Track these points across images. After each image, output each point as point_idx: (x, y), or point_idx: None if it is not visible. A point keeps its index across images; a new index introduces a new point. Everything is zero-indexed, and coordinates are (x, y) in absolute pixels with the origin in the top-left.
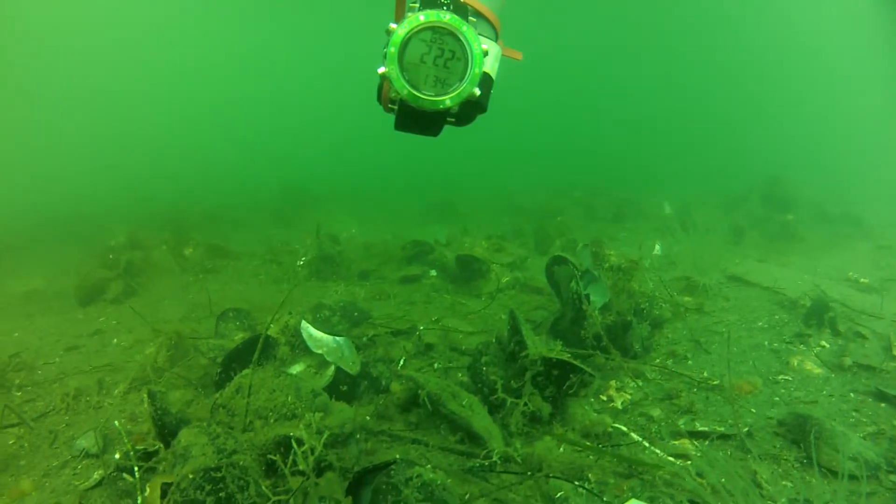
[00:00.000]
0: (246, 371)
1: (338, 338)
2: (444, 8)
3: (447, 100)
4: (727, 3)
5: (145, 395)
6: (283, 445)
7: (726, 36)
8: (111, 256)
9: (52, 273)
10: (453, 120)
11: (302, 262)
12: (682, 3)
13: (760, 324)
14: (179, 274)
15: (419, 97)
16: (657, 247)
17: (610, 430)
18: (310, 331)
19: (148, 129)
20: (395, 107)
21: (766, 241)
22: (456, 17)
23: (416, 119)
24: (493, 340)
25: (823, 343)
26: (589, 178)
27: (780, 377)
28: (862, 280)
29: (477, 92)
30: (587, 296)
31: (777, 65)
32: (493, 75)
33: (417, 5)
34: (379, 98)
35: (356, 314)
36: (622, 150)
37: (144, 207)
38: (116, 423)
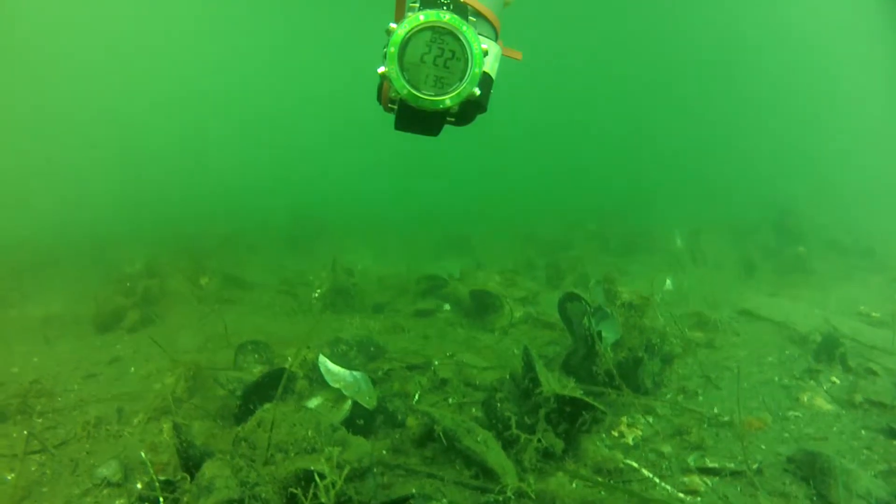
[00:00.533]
0: (267, 405)
1: (355, 372)
2: (444, 8)
3: (447, 99)
4: (738, 26)
5: (166, 426)
6: (304, 479)
7: (739, 63)
8: (128, 284)
9: (70, 297)
10: (453, 120)
11: (317, 295)
12: (691, 27)
13: (771, 359)
14: (196, 303)
15: (419, 97)
16: (668, 281)
17: (621, 466)
18: (328, 365)
19: (161, 149)
20: (395, 106)
21: (778, 274)
22: (456, 17)
23: (416, 119)
24: (508, 377)
25: (834, 379)
26: (602, 207)
27: (790, 413)
28: (874, 314)
29: (477, 92)
30: (599, 333)
31: (789, 90)
32: (493, 75)
33: (417, 5)
34: (379, 98)
35: (373, 349)
36: (634, 179)
37: (159, 230)
38: (142, 453)
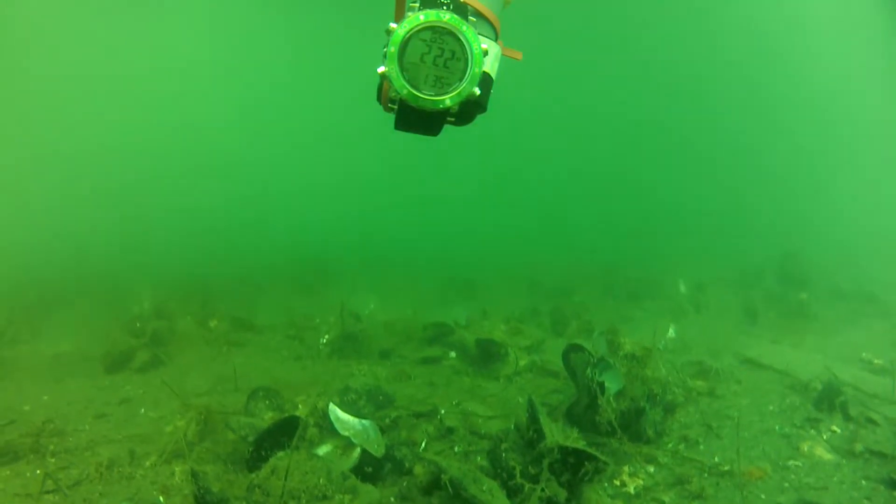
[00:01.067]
0: (281, 453)
1: (364, 420)
2: (444, 8)
3: (447, 99)
4: (740, 71)
5: (178, 469)
6: None
7: (744, 110)
8: (138, 325)
9: (79, 336)
10: (453, 120)
11: (325, 341)
12: (697, 76)
13: (771, 408)
14: (205, 346)
15: (419, 97)
16: (671, 329)
17: None
18: (338, 413)
19: (165, 186)
20: (395, 106)
21: (781, 320)
22: (456, 16)
23: (416, 119)
24: (513, 427)
25: (834, 428)
26: (606, 252)
27: (790, 462)
28: (876, 361)
29: (477, 91)
30: (602, 384)
31: (791, 134)
32: (493, 75)
33: (417, 5)
34: (379, 98)
35: (381, 398)
36: (639, 223)
37: (165, 268)
38: (161, 498)
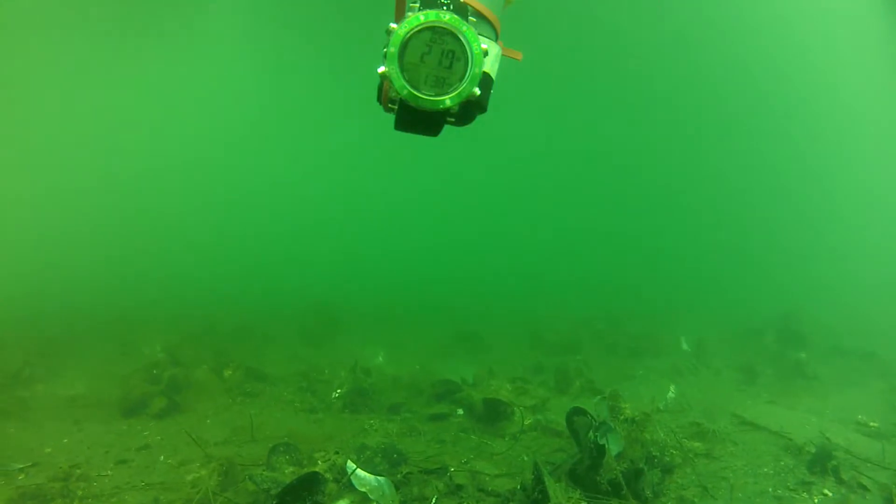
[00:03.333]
0: None
1: (379, 477)
2: (444, 8)
3: (447, 100)
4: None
5: None
6: None
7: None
8: (154, 372)
9: (93, 377)
10: (453, 120)
11: (337, 395)
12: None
13: (766, 469)
14: (219, 395)
15: (419, 97)
16: (671, 389)
17: None
18: (356, 471)
19: (169, 222)
20: (395, 107)
21: (779, 380)
22: (456, 17)
23: (416, 119)
24: (519, 487)
25: (826, 491)
26: (608, 304)
27: None
28: (871, 424)
29: (477, 92)
30: (603, 446)
31: (790, 188)
32: (493, 75)
33: (417, 5)
34: (379, 98)
35: (395, 455)
36: (642, 277)
37: (173, 309)
38: None
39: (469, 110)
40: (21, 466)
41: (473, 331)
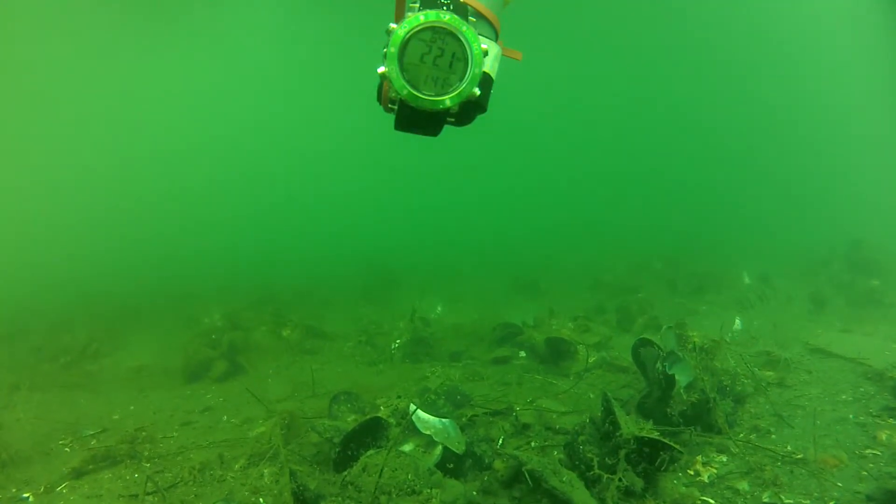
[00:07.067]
0: (371, 451)
1: (444, 419)
2: (444, 8)
3: (447, 100)
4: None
5: (267, 471)
6: None
7: (803, 97)
8: (213, 337)
9: (156, 348)
10: (453, 120)
11: (396, 346)
12: (750, 71)
13: (844, 397)
14: (280, 354)
15: (419, 97)
16: (737, 321)
17: (698, 502)
18: (419, 413)
19: (224, 196)
20: (395, 107)
21: (851, 308)
22: (456, 17)
23: (416, 119)
24: (588, 420)
25: None
26: (667, 247)
27: (867, 451)
28: None
29: (477, 92)
30: (672, 376)
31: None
32: (493, 75)
33: (417, 5)
34: (379, 98)
35: (458, 397)
36: (700, 216)
37: (232, 281)
38: (261, 500)
39: (469, 110)
40: (92, 433)
41: (532, 279)
